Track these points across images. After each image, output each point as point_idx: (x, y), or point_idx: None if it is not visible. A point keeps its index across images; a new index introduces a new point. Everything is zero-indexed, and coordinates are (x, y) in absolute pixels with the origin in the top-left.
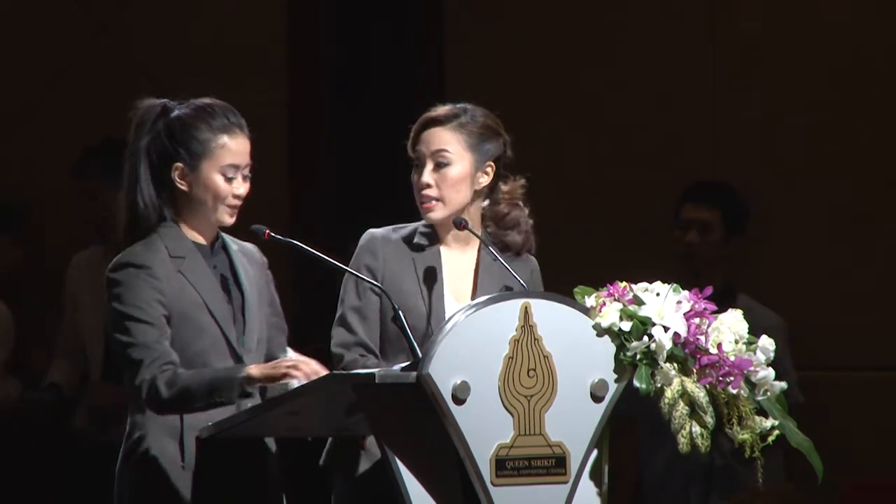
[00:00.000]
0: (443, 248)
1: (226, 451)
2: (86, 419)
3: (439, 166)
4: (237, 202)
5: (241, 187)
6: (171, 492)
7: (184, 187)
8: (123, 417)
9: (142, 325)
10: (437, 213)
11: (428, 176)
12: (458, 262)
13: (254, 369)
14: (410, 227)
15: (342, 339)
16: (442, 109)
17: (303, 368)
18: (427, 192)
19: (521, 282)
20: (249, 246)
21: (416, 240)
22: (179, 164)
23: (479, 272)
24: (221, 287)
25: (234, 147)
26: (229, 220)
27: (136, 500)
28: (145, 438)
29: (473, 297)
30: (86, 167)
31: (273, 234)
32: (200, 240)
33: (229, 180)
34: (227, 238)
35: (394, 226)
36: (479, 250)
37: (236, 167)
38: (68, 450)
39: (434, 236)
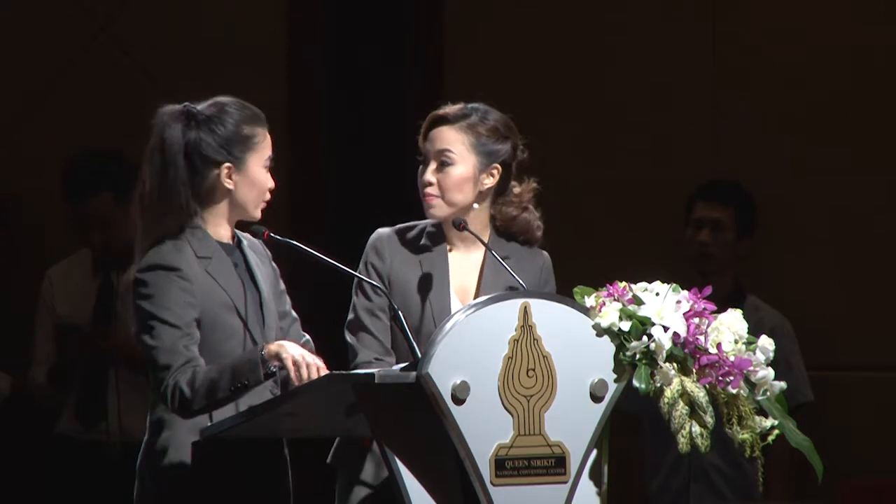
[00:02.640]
0: (449, 249)
1: (235, 452)
2: (71, 421)
3: (443, 165)
4: (269, 196)
5: (271, 180)
6: (192, 490)
7: (230, 186)
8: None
9: (168, 327)
10: (438, 210)
11: (430, 174)
12: (464, 262)
13: (273, 346)
14: (418, 226)
15: (358, 338)
16: (451, 108)
17: (307, 373)
18: (428, 189)
19: (523, 284)
20: (254, 240)
21: (422, 240)
22: (228, 165)
23: (484, 272)
24: (243, 285)
25: (269, 139)
26: (259, 214)
27: (157, 498)
28: (167, 436)
29: (477, 297)
30: (92, 190)
31: (272, 235)
32: (223, 238)
33: (269, 172)
34: (239, 233)
35: (401, 225)
36: (484, 250)
37: (272, 158)
38: (54, 453)
39: (440, 236)
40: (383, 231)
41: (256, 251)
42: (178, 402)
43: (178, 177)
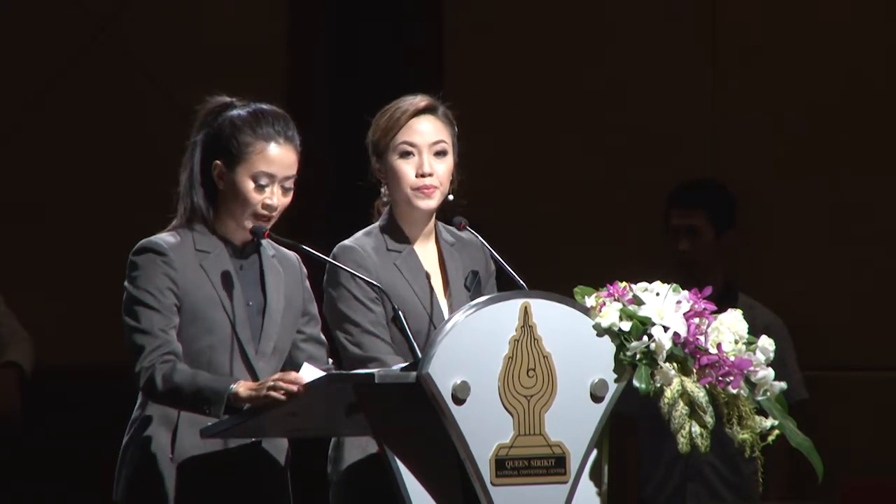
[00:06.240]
0: (413, 246)
1: (227, 450)
2: None
3: (439, 155)
4: (267, 213)
5: (275, 198)
6: (157, 482)
7: (220, 186)
8: None
9: (149, 311)
10: (435, 200)
11: (429, 166)
12: (426, 256)
13: (242, 389)
14: (372, 230)
15: (375, 348)
16: (425, 99)
17: (283, 387)
18: (430, 180)
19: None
20: (290, 254)
21: (387, 243)
22: (218, 163)
23: (445, 262)
24: (243, 288)
25: (273, 156)
26: (248, 226)
27: (126, 487)
28: (142, 427)
29: (445, 287)
30: None
31: (273, 234)
32: (234, 239)
33: (261, 188)
34: (267, 242)
35: (357, 234)
36: (436, 241)
37: (271, 176)
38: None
39: (403, 236)
40: (350, 244)
41: (286, 265)
42: (148, 387)
43: (194, 166)
